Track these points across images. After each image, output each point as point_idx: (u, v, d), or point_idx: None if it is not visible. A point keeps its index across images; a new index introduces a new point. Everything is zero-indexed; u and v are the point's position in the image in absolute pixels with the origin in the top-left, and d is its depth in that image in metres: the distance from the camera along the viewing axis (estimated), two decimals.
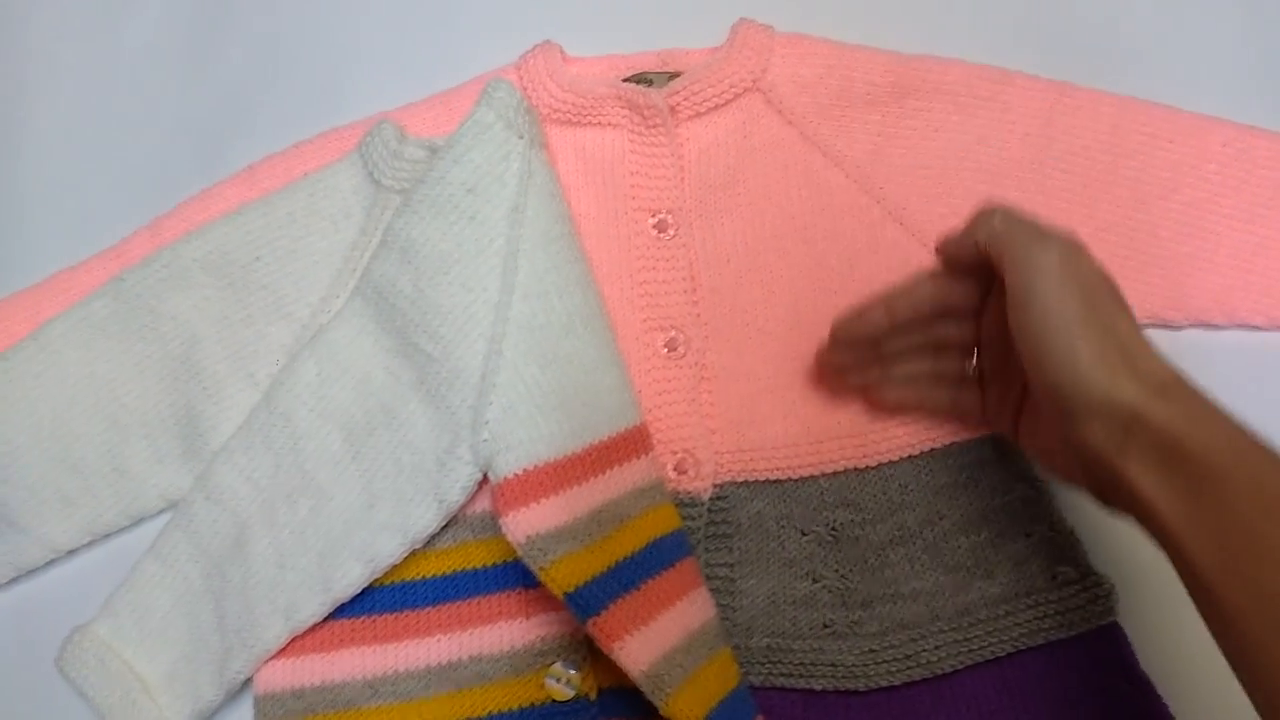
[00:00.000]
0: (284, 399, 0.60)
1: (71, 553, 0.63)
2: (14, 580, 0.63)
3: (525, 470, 0.55)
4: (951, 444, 0.59)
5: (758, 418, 0.61)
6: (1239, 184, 0.61)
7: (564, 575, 0.52)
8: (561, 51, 0.67)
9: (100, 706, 0.57)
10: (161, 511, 0.63)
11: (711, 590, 0.57)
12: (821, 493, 0.59)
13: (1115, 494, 0.45)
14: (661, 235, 0.64)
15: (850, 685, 0.55)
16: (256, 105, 0.73)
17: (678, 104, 0.65)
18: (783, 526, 0.59)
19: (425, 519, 0.57)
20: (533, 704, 0.56)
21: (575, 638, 0.56)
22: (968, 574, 0.57)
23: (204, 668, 0.58)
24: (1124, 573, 0.55)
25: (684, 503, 0.59)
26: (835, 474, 0.59)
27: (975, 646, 0.55)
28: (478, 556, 0.59)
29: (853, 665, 0.55)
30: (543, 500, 0.54)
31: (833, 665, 0.55)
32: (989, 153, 0.63)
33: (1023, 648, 0.55)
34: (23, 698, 0.61)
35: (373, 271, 0.60)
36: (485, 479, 0.57)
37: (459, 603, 0.58)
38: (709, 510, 0.59)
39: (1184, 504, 0.42)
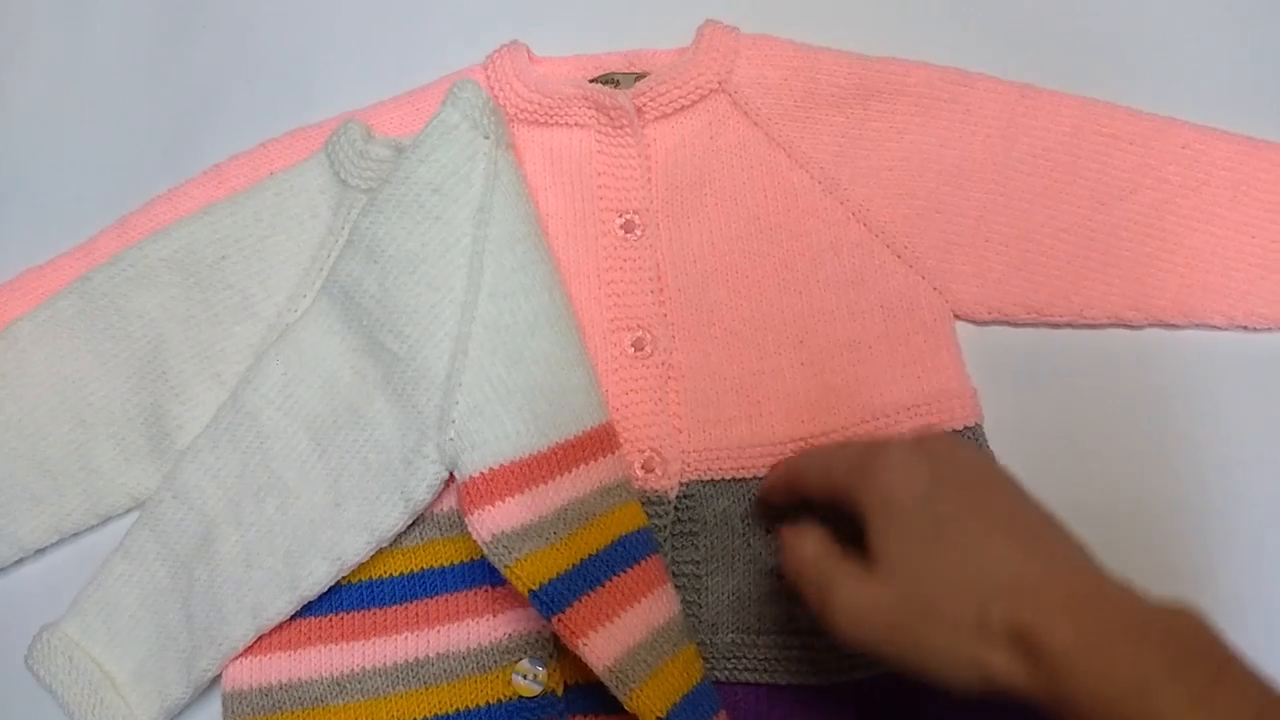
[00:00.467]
0: (250, 398, 0.60)
1: (40, 552, 0.63)
2: None
3: (491, 469, 0.55)
4: None
5: (724, 417, 0.61)
6: (1198, 185, 0.62)
7: (529, 573, 0.53)
8: (529, 51, 0.67)
9: (68, 704, 0.57)
10: (129, 510, 0.63)
11: (678, 587, 0.57)
12: None
13: None
14: (628, 235, 0.64)
15: (814, 680, 0.56)
16: (224, 104, 0.73)
17: (644, 105, 0.65)
18: (748, 524, 0.59)
19: (392, 518, 0.57)
20: (500, 700, 0.56)
21: (542, 635, 0.57)
22: None
23: (171, 666, 0.58)
24: None
25: (651, 501, 0.59)
26: None
27: None
28: (444, 554, 0.59)
29: (816, 660, 0.56)
30: (508, 499, 0.54)
31: (796, 660, 0.56)
32: (952, 154, 0.63)
33: None
34: None
35: (339, 271, 0.60)
36: (452, 478, 0.57)
37: (426, 600, 0.58)
38: (675, 508, 0.60)
39: None
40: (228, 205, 0.64)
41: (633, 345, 0.63)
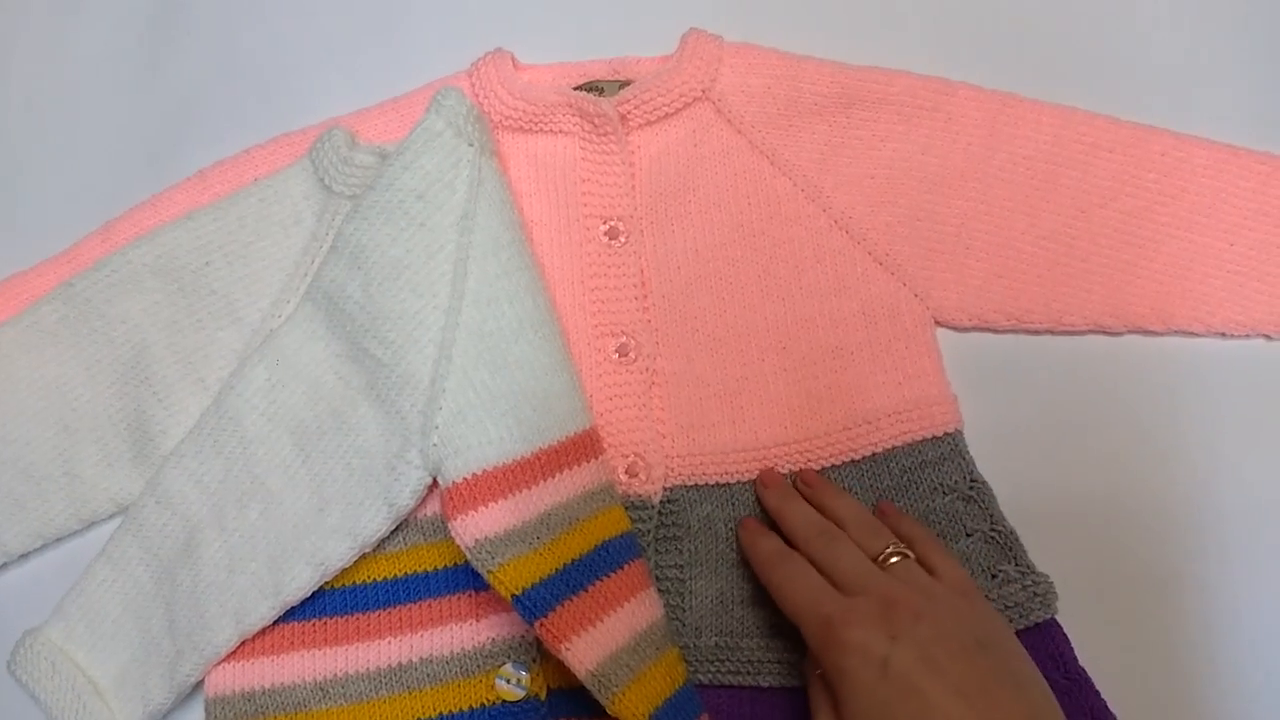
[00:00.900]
0: (234, 403, 0.60)
1: (23, 556, 0.63)
2: None
3: (474, 474, 0.55)
4: (894, 448, 0.60)
5: (707, 422, 0.62)
6: (1177, 192, 0.62)
7: (512, 578, 0.53)
8: (513, 59, 0.68)
9: (51, 709, 0.57)
10: (112, 515, 0.63)
11: (662, 591, 0.58)
12: None
13: None
14: (613, 242, 0.65)
15: (796, 682, 0.56)
16: (208, 110, 0.73)
17: (628, 112, 0.65)
18: (731, 529, 0.60)
19: (375, 523, 0.57)
20: (483, 705, 0.57)
21: (525, 639, 0.57)
22: None
23: (155, 670, 0.58)
24: (1062, 571, 0.57)
25: (634, 505, 0.60)
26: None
27: None
28: (428, 559, 0.59)
29: (798, 662, 0.56)
30: (491, 504, 0.55)
31: (779, 663, 0.56)
32: (933, 162, 0.64)
33: None
34: None
35: (323, 277, 0.60)
36: (435, 483, 0.57)
37: (409, 605, 0.58)
38: (659, 513, 0.60)
39: None
40: (212, 211, 0.64)
41: (617, 351, 0.63)
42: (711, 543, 0.59)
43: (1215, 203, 0.62)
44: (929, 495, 0.59)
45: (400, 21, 0.74)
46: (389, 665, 0.58)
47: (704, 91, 0.66)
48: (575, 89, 0.66)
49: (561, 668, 0.52)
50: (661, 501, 0.60)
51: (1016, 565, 0.57)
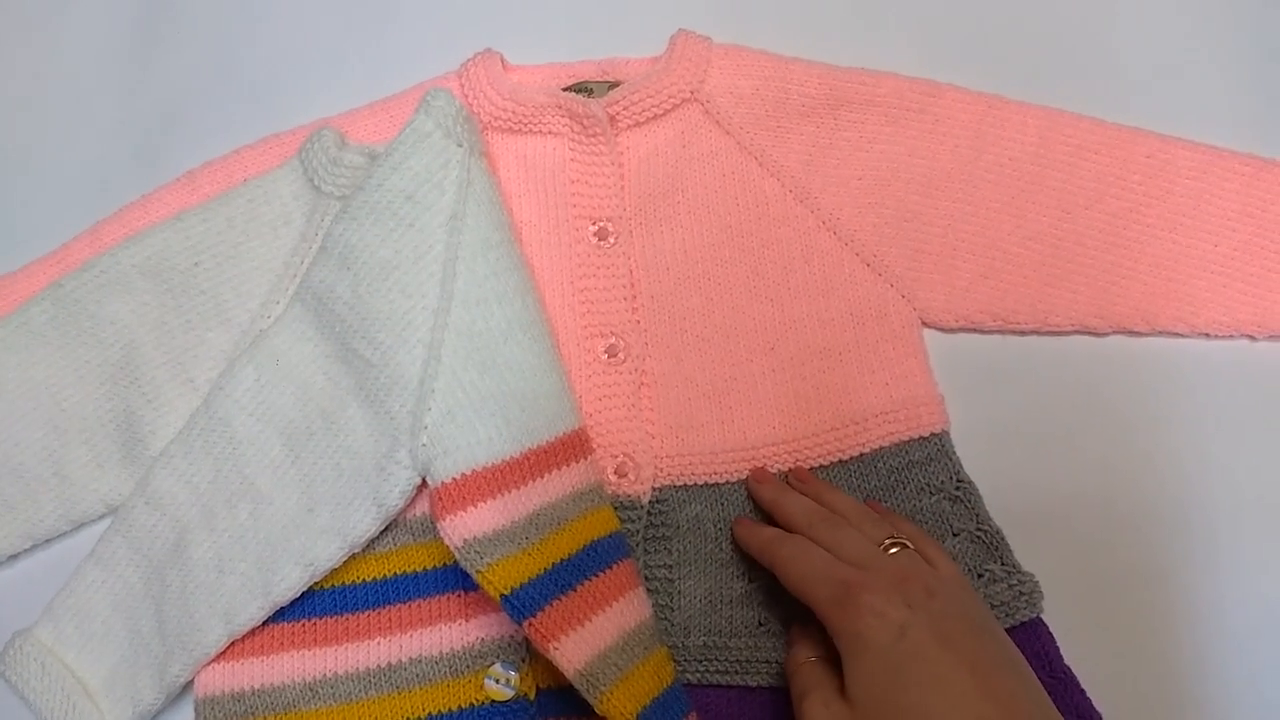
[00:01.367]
0: (223, 404, 0.60)
1: (12, 558, 0.63)
2: None
3: (463, 475, 0.55)
4: (881, 448, 0.60)
5: (696, 423, 0.62)
6: (1162, 194, 0.63)
7: (501, 578, 0.53)
8: (503, 60, 0.68)
9: (41, 710, 0.57)
10: (102, 516, 0.63)
11: (650, 591, 0.58)
12: None
13: None
14: (602, 243, 0.65)
15: (783, 682, 0.56)
16: (197, 111, 0.73)
17: (617, 113, 0.65)
18: (720, 528, 0.60)
19: (364, 523, 0.57)
20: (472, 704, 0.57)
21: (514, 639, 0.57)
22: None
23: (144, 671, 0.58)
24: (1048, 571, 0.57)
25: (624, 505, 0.60)
26: None
27: None
28: (417, 560, 0.59)
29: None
30: (480, 504, 0.55)
31: (766, 662, 0.56)
32: (920, 164, 0.64)
33: None
34: None
35: (312, 278, 0.60)
36: (424, 483, 0.57)
37: (398, 606, 0.58)
38: (648, 513, 0.60)
39: None
40: (201, 212, 0.64)
41: (606, 352, 0.63)
42: (700, 543, 0.60)
43: (1200, 204, 0.63)
44: (916, 495, 0.59)
45: (390, 22, 0.74)
46: (378, 665, 0.58)
47: (692, 93, 0.66)
48: (564, 90, 0.67)
49: (550, 667, 0.53)
50: (650, 502, 0.61)
51: (1002, 564, 0.57)
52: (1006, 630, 0.55)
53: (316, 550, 0.58)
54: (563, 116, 0.66)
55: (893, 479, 0.60)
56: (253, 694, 0.58)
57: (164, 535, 0.59)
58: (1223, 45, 0.69)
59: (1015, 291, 0.63)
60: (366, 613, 0.59)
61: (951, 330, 0.64)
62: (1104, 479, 0.61)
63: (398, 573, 0.59)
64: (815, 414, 0.61)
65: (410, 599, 0.59)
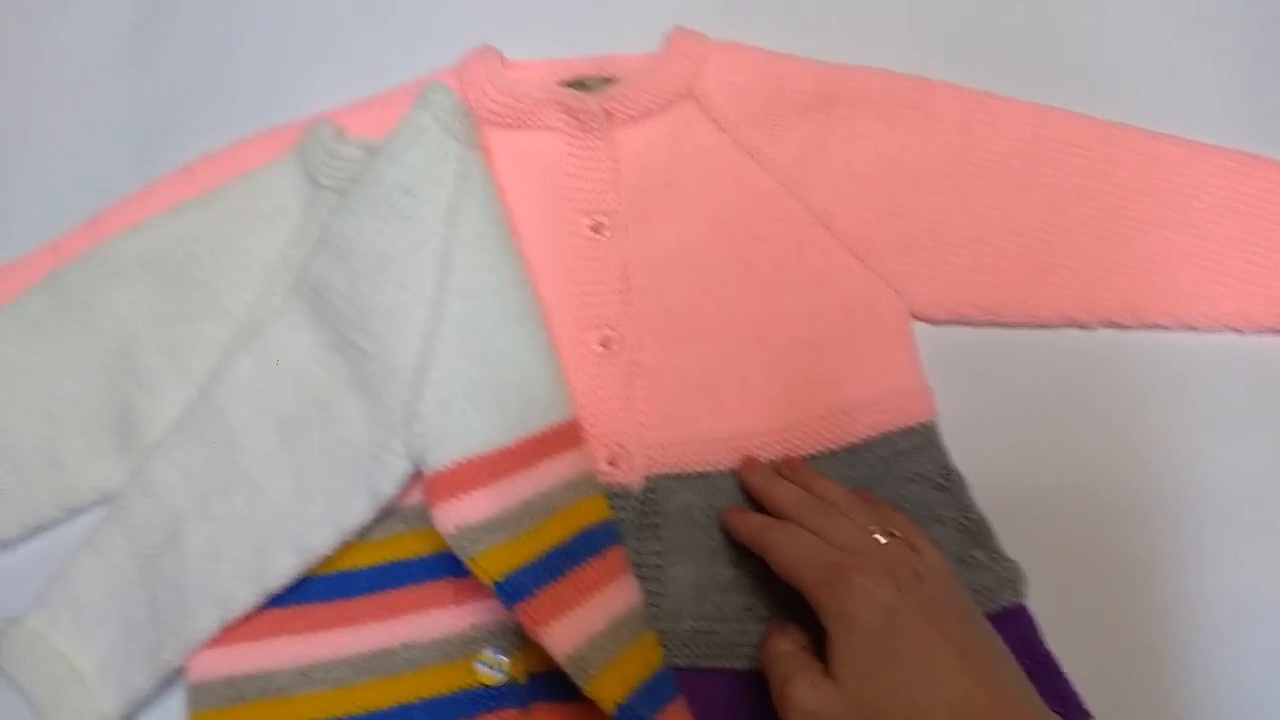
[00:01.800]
0: (219, 394, 0.60)
1: (7, 546, 0.63)
2: None
3: (457, 463, 0.56)
4: (870, 438, 0.61)
5: (688, 413, 0.62)
6: (1149, 189, 0.63)
7: (493, 565, 0.53)
8: (500, 56, 0.68)
9: (32, 696, 0.57)
10: (96, 505, 0.63)
11: (641, 578, 0.58)
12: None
13: None
14: (597, 237, 0.65)
15: None
16: (196, 104, 0.73)
17: (613, 109, 0.66)
18: (709, 516, 0.60)
19: (358, 511, 0.58)
20: (464, 689, 0.57)
21: (505, 624, 0.58)
22: None
23: (137, 657, 0.58)
24: (1031, 558, 0.58)
25: (615, 494, 0.60)
26: None
27: None
28: (410, 547, 0.60)
29: None
30: (473, 492, 0.55)
31: (754, 646, 0.57)
32: (911, 159, 0.65)
33: None
34: None
35: (309, 269, 0.61)
36: (418, 472, 0.58)
37: (391, 592, 0.59)
38: (640, 502, 0.61)
39: None
40: (199, 204, 0.65)
41: (600, 344, 0.64)
42: (689, 530, 0.60)
43: (1187, 200, 0.63)
44: (903, 484, 0.60)
45: (388, 17, 0.75)
46: (370, 650, 0.58)
47: (688, 89, 0.66)
48: (561, 86, 0.67)
49: (541, 652, 0.53)
50: (642, 491, 0.61)
51: (987, 552, 0.58)
52: (989, 615, 0.55)
53: (311, 538, 0.58)
54: (559, 112, 0.66)
55: (880, 468, 0.60)
56: (245, 679, 0.58)
57: (159, 523, 0.59)
58: (1211, 42, 0.70)
59: (1004, 285, 0.63)
60: (359, 599, 0.59)
61: (941, 323, 0.64)
62: (1090, 470, 0.61)
63: (390, 559, 0.59)
64: (805, 404, 0.62)
65: (403, 585, 0.59)
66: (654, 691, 0.52)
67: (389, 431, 0.58)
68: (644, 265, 0.65)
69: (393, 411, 0.58)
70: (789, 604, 0.57)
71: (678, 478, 0.61)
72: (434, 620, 0.58)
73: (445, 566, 0.58)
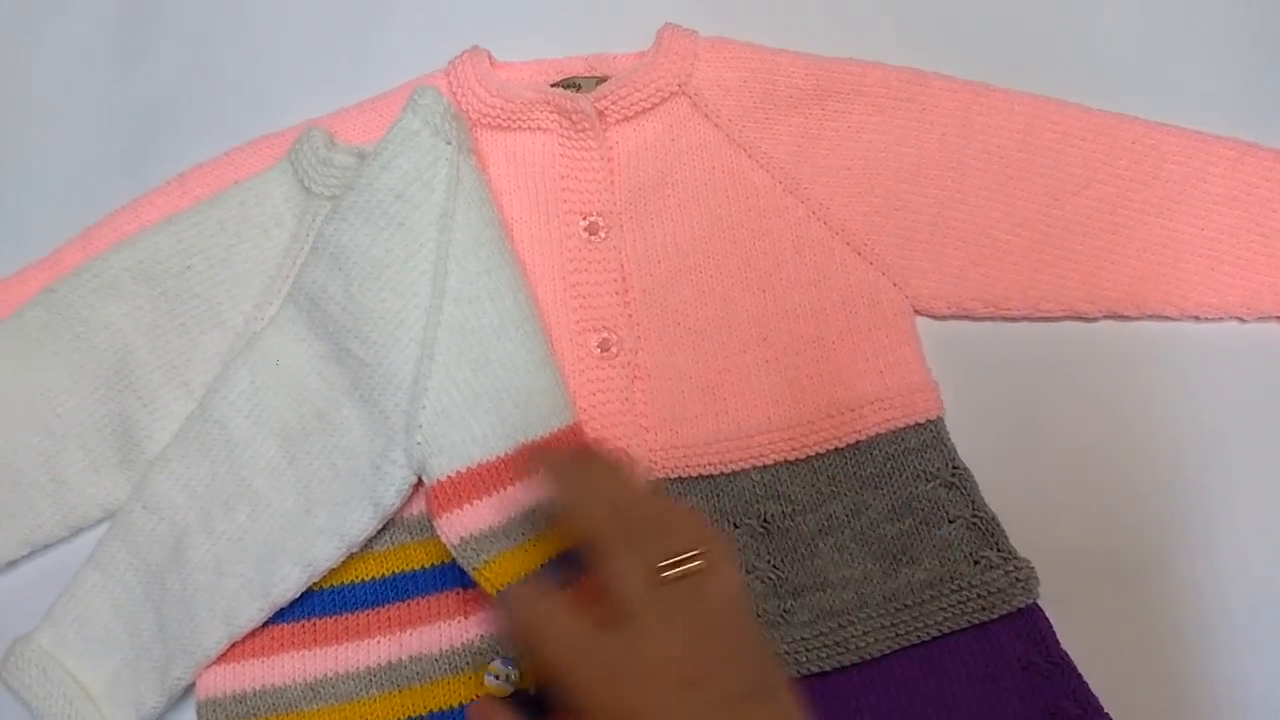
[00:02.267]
0: (219, 407, 0.60)
1: (11, 564, 0.63)
2: None
3: (459, 472, 0.56)
4: (876, 435, 0.60)
5: (690, 415, 0.62)
6: (1148, 179, 0.63)
7: (497, 574, 0.53)
8: (490, 57, 0.68)
9: (43, 715, 0.57)
10: (100, 521, 0.63)
11: None
12: (753, 486, 0.61)
13: None
14: (593, 238, 0.65)
15: (786, 672, 0.56)
16: (186, 114, 0.73)
17: (605, 108, 0.66)
18: (716, 520, 0.60)
19: (361, 523, 0.58)
20: (473, 700, 0.57)
21: None
22: (894, 561, 0.58)
23: (146, 675, 0.58)
24: (1044, 556, 0.57)
25: None
26: (765, 468, 0.61)
27: (903, 631, 0.57)
28: (415, 558, 0.59)
29: (785, 653, 0.56)
30: (476, 501, 0.55)
31: None
32: (908, 153, 0.64)
33: (948, 631, 0.56)
34: None
35: (304, 278, 0.60)
36: (420, 482, 0.58)
37: (398, 604, 0.59)
38: None
39: None
40: (192, 215, 0.64)
41: (599, 346, 0.63)
42: None
43: (1186, 188, 0.63)
44: (911, 482, 0.59)
45: (376, 21, 0.74)
46: (379, 664, 0.58)
47: (680, 86, 0.66)
48: (552, 86, 0.67)
49: None
50: None
51: (998, 551, 0.57)
52: (1003, 617, 0.56)
53: (315, 551, 0.58)
54: (551, 112, 0.66)
55: (888, 466, 0.60)
56: (254, 695, 0.58)
57: (162, 539, 0.59)
58: (1208, 31, 0.69)
59: (1005, 278, 0.63)
60: (366, 612, 0.59)
61: (943, 317, 0.64)
62: (1098, 463, 0.61)
63: (396, 571, 0.59)
64: (809, 403, 0.61)
65: (409, 597, 0.59)
66: None
67: (390, 441, 0.57)
68: (641, 265, 0.65)
69: (392, 420, 0.58)
70: (799, 611, 0.57)
71: (682, 481, 0.61)
72: (442, 632, 0.58)
73: (452, 577, 0.58)
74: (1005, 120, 0.64)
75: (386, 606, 0.59)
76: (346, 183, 0.62)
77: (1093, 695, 0.55)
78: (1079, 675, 0.55)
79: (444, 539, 0.55)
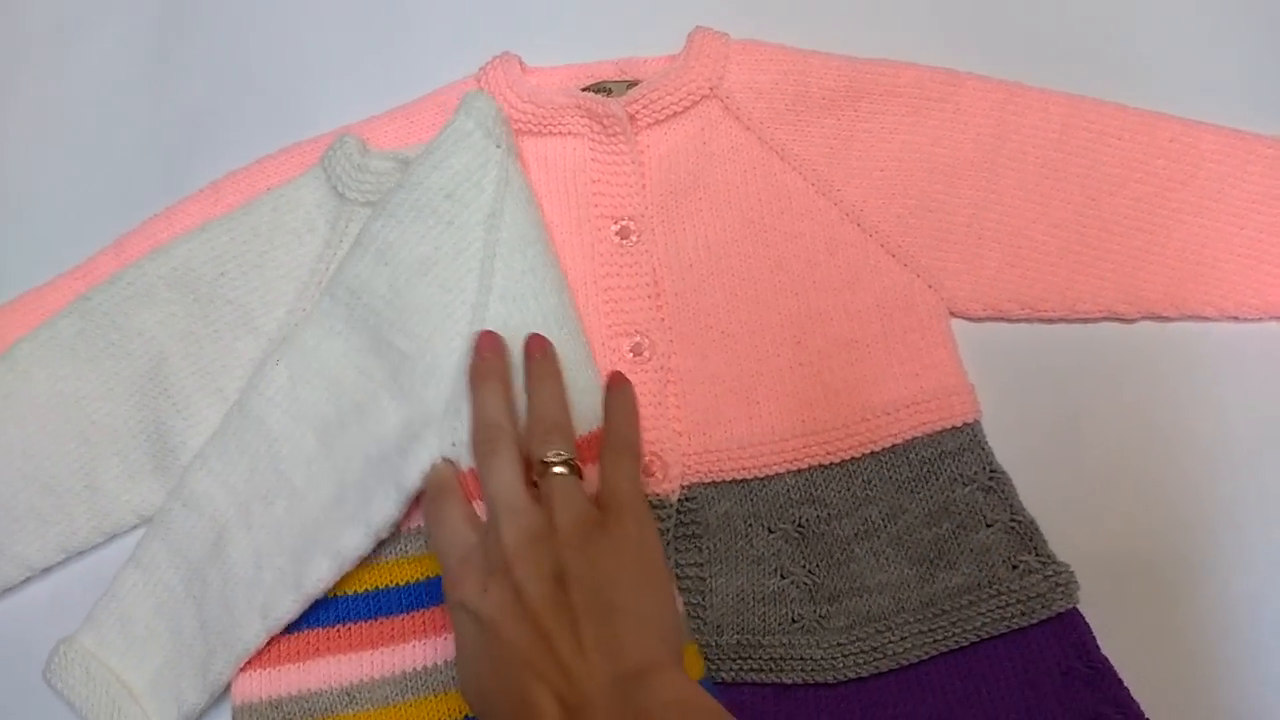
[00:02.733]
0: (256, 403, 0.60)
1: (47, 570, 0.63)
2: None
3: None
4: (913, 439, 0.60)
5: (723, 419, 0.62)
6: (1186, 178, 0.62)
7: None
8: (520, 62, 0.68)
9: (88, 715, 0.57)
10: (135, 527, 0.63)
11: (681, 589, 0.58)
12: (787, 490, 0.60)
13: None
14: (624, 242, 0.65)
15: (819, 678, 0.56)
16: (219, 122, 0.73)
17: (637, 112, 0.66)
18: (750, 525, 0.60)
19: (386, 508, 0.57)
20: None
21: None
22: (931, 565, 0.58)
23: (187, 672, 0.58)
24: (1083, 560, 0.57)
25: (653, 504, 0.60)
26: (800, 471, 0.60)
27: (940, 637, 0.56)
28: None
29: (821, 659, 0.56)
30: None
31: (802, 659, 0.56)
32: (943, 153, 0.64)
33: (986, 636, 0.56)
34: (4, 714, 0.61)
35: (346, 273, 0.61)
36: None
37: (434, 609, 0.58)
38: (677, 511, 0.60)
39: None
40: (225, 222, 0.65)
41: (631, 351, 0.63)
42: (730, 540, 0.60)
43: (1224, 187, 0.62)
44: (949, 486, 0.59)
45: (407, 28, 0.75)
46: (415, 669, 0.58)
47: (711, 89, 0.66)
48: (583, 90, 0.67)
49: None
50: (679, 500, 0.60)
51: (1037, 555, 0.57)
52: (1043, 622, 0.55)
53: (344, 539, 0.58)
54: (582, 117, 0.66)
55: (925, 470, 0.59)
56: (290, 700, 0.58)
57: (202, 536, 0.59)
58: (1244, 27, 0.69)
59: (1042, 279, 0.62)
60: (402, 616, 0.59)
61: (979, 319, 0.63)
62: (1137, 466, 0.60)
63: (432, 575, 0.59)
64: (844, 406, 0.61)
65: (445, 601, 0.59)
66: None
67: (424, 425, 0.58)
68: (673, 269, 0.65)
69: (431, 408, 0.58)
70: (835, 616, 0.57)
71: (716, 485, 0.61)
72: None
73: None
74: (1040, 120, 0.63)
75: (423, 611, 0.59)
76: (381, 188, 0.63)
77: (1134, 701, 0.54)
78: (1119, 681, 0.54)
79: None
